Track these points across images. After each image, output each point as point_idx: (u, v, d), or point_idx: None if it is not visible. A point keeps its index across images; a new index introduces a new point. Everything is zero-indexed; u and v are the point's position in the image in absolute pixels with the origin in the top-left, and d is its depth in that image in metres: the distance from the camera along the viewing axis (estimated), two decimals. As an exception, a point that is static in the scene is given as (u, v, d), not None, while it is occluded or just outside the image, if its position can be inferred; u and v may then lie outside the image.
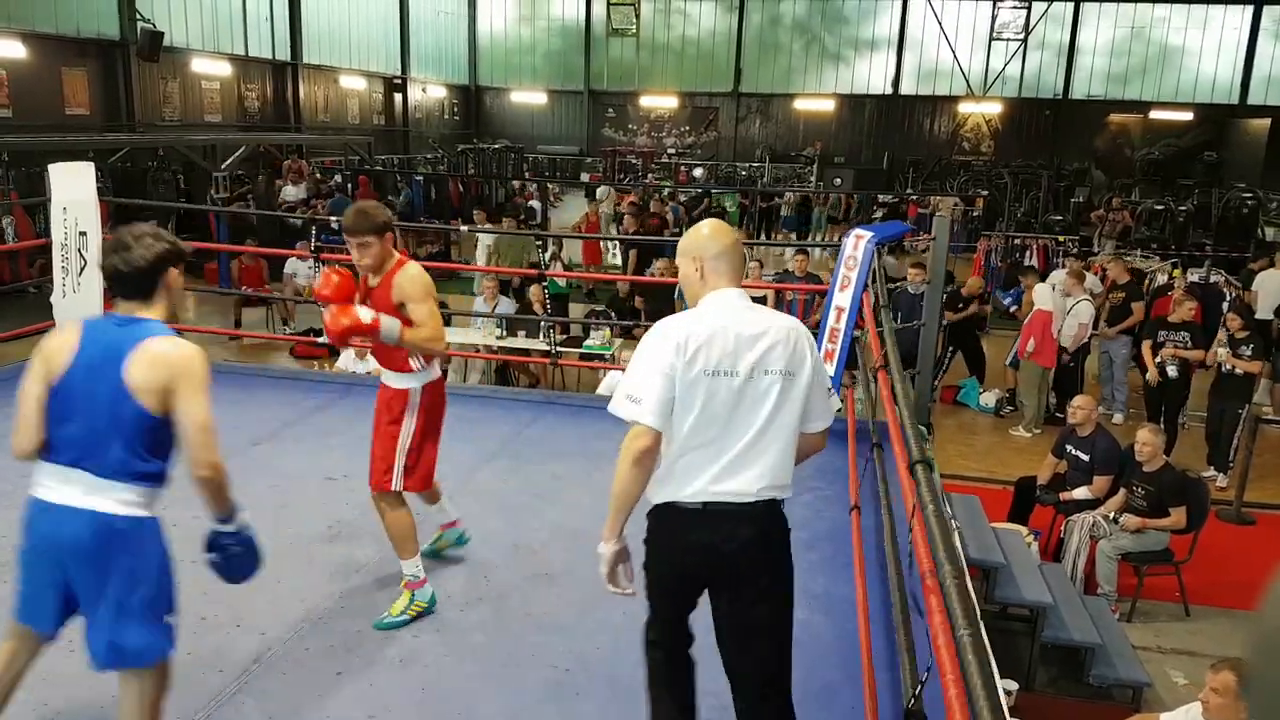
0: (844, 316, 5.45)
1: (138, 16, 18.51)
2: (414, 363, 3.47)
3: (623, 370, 2.80)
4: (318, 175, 20.39)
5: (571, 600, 3.64)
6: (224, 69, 21.97)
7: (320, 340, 8.71)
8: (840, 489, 4.59)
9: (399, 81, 28.79)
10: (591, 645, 3.36)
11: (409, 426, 3.46)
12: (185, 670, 3.11)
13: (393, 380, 3.49)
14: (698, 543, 2.37)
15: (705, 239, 2.49)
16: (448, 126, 31.93)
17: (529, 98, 32.65)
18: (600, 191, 20.40)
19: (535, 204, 20.37)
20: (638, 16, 30.92)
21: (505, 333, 9.29)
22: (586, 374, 9.29)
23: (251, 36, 22.61)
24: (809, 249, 13.17)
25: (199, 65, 21.16)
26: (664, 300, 9.03)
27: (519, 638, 3.42)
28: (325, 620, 3.46)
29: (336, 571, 3.82)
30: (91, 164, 6.94)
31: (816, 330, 5.58)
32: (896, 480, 3.32)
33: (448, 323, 10.06)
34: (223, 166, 16.15)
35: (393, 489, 3.46)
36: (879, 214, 20.81)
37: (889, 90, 29.95)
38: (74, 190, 6.64)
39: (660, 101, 31.60)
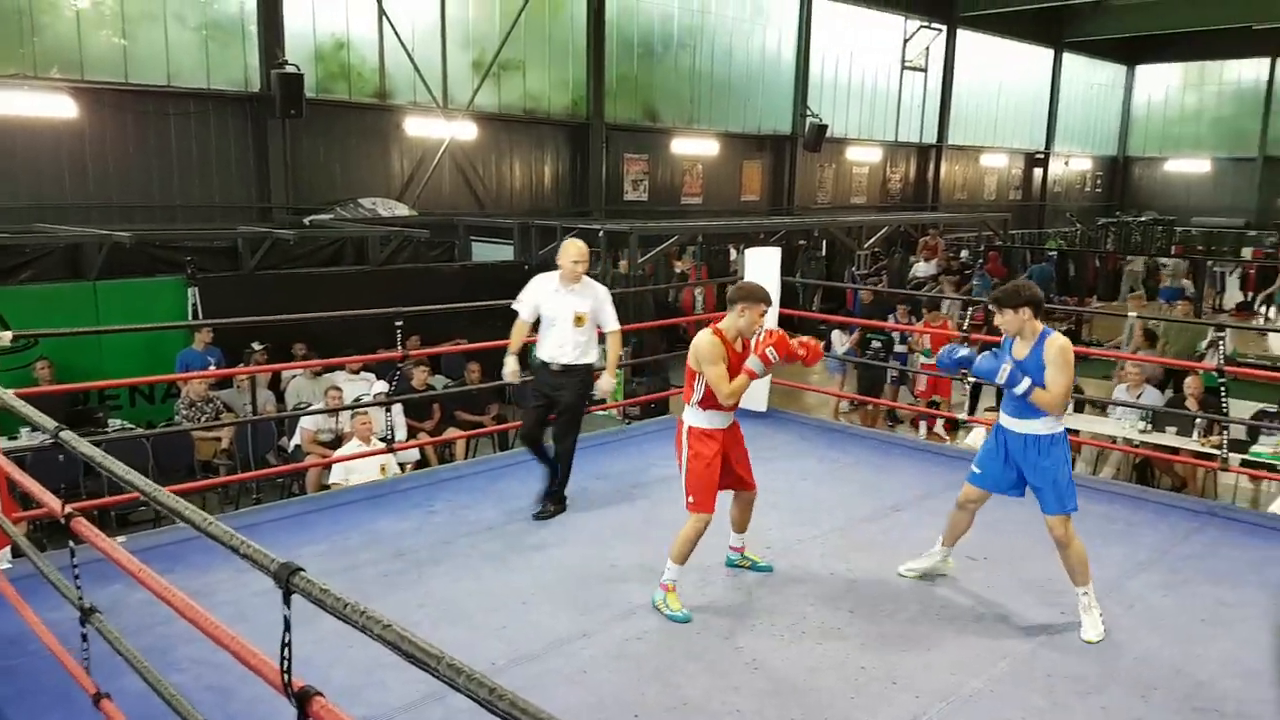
0: None
1: (808, 113, 20.95)
2: None
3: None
4: (949, 253, 20.87)
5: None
6: (874, 154, 23.76)
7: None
8: None
9: (1041, 156, 28.28)
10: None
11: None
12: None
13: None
14: None
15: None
16: (1088, 199, 30.52)
17: (1186, 166, 29.83)
18: None
19: (1186, 283, 18.38)
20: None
21: (1151, 426, 8.60)
22: (1247, 484, 8.16)
23: (903, 123, 24.13)
24: None
25: (853, 153, 23.19)
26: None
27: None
28: (975, 699, 3.63)
29: (985, 654, 3.96)
30: (779, 250, 8.09)
31: None
32: None
33: (1080, 409, 9.61)
34: (865, 245, 17.45)
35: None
36: None
37: None
38: (762, 270, 7.81)
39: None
